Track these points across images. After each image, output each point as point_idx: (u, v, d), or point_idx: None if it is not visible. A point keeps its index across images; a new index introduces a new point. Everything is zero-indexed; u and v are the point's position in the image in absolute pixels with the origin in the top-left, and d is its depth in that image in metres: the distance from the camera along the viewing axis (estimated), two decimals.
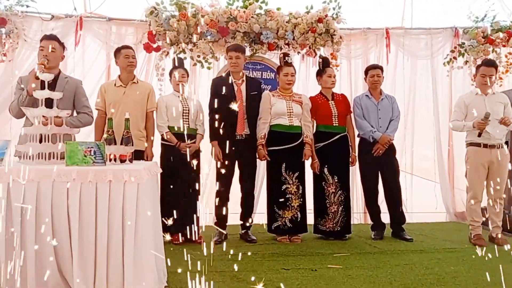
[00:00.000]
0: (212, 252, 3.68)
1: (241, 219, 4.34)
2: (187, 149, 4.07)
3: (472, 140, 4.20)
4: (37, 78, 3.02)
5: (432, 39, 5.55)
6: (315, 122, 4.43)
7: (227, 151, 4.08)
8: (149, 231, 2.52)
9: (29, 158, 2.64)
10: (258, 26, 4.85)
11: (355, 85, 5.50)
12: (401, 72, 5.58)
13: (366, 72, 4.61)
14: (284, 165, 4.20)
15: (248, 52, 4.89)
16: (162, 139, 4.18)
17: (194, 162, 4.14)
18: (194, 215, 4.01)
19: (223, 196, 4.20)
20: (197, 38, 4.87)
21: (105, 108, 4.00)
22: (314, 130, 4.41)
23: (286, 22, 4.92)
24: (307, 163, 4.35)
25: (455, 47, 5.48)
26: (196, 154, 4.20)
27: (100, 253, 2.42)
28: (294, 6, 5.03)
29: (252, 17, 4.85)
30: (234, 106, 3.97)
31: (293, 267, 3.40)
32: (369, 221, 4.69)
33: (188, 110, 4.18)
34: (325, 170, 4.32)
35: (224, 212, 4.20)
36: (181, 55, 4.81)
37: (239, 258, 3.58)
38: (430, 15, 5.54)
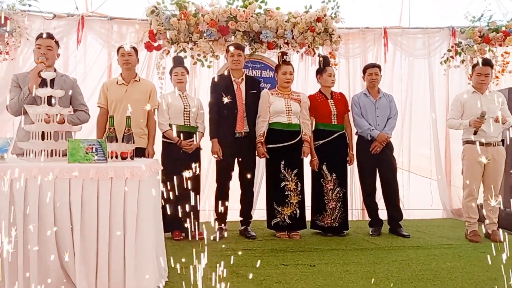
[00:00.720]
0: (212, 247, 3.68)
1: (240, 216, 4.35)
2: (188, 147, 4.06)
3: (468, 138, 4.20)
4: (40, 76, 3.01)
5: (429, 38, 5.55)
6: (314, 120, 4.43)
7: (226, 149, 4.08)
8: (150, 228, 2.53)
9: (31, 155, 2.64)
10: (258, 25, 4.85)
11: (353, 84, 5.50)
12: (399, 71, 5.58)
13: (364, 71, 4.61)
14: (283, 162, 4.20)
15: (247, 51, 4.89)
16: (163, 136, 4.18)
17: (195, 159, 4.14)
18: (195, 212, 4.01)
19: (223, 193, 4.21)
20: (197, 37, 4.86)
21: (107, 105, 4.00)
22: (313, 128, 4.41)
23: (285, 21, 4.92)
24: (306, 160, 4.35)
25: (452, 46, 5.48)
26: (197, 151, 4.19)
27: (102, 249, 2.43)
28: (293, 5, 5.03)
29: (251, 16, 4.84)
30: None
31: (292, 262, 3.41)
32: (367, 218, 4.70)
33: (189, 108, 4.17)
34: (324, 167, 4.33)
35: (223, 209, 4.21)
36: (182, 54, 4.80)
37: (239, 254, 3.60)
38: (428, 15, 5.54)
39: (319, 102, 4.40)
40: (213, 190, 4.38)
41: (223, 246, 3.84)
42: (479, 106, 4.13)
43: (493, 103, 4.15)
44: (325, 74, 4.42)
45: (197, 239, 4.00)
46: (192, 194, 4.10)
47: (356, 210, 5.42)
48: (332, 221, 4.32)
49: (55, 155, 2.77)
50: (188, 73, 4.33)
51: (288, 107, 4.24)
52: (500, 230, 4.14)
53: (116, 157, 2.78)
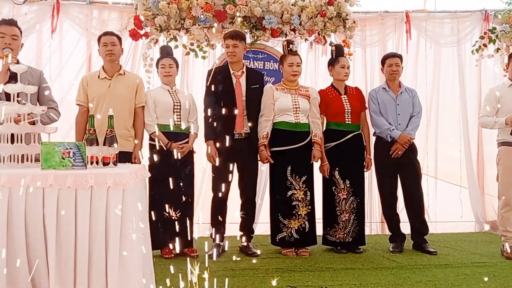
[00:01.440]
0: (207, 267, 3.68)
1: (240, 230, 4.35)
2: (179, 150, 4.08)
3: (505, 139, 4.20)
4: (8, 70, 3.03)
5: (458, 23, 5.55)
6: (325, 119, 4.43)
7: (224, 153, 4.09)
8: (136, 243, 2.53)
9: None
10: (260, 9, 4.86)
11: (371, 77, 5.51)
12: (423, 61, 5.59)
13: (383, 62, 4.61)
14: (289, 168, 4.21)
15: (248, 40, 4.89)
16: (151, 139, 4.19)
17: (187, 164, 4.15)
18: (187, 225, 4.01)
19: (220, 203, 4.21)
20: (190, 23, 4.88)
21: (87, 103, 4.01)
22: (324, 128, 4.42)
23: (292, 4, 4.93)
24: (316, 165, 4.36)
25: (485, 33, 5.48)
26: (190, 155, 4.20)
27: (81, 268, 2.44)
28: None
29: None
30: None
31: (300, 284, 3.41)
32: (387, 232, 4.70)
33: (180, 105, 4.18)
34: (336, 173, 4.33)
35: (221, 222, 4.21)
36: (172, 43, 4.81)
37: (239, 274, 3.60)
38: None
39: (330, 98, 4.41)
40: (209, 200, 4.39)
41: (221, 265, 3.84)
42: None
43: None
44: (337, 66, 4.43)
45: (190, 256, 4.00)
46: (184, 205, 4.12)
47: (374, 223, 5.42)
48: (346, 235, 4.33)
49: (27, 160, 2.78)
50: (177, 65, 4.34)
51: (296, 104, 4.25)
52: None
53: (97, 162, 2.79)
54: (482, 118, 4.32)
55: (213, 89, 4.17)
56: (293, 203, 4.21)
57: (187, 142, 4.19)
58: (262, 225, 4.87)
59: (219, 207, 4.23)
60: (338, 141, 4.34)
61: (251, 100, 4.27)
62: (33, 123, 2.93)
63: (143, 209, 2.87)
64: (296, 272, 3.72)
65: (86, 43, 5.16)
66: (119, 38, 4.14)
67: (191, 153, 4.22)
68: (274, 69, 5.07)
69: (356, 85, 4.78)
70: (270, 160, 4.23)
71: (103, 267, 2.45)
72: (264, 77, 4.69)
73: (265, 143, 4.22)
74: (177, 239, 3.92)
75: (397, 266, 3.90)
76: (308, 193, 4.24)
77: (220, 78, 4.21)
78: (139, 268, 2.58)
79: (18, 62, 3.37)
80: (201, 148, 4.31)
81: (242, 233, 4.35)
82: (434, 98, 5.62)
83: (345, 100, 4.41)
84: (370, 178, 5.15)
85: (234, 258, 4.02)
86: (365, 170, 4.49)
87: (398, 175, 4.47)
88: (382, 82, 4.75)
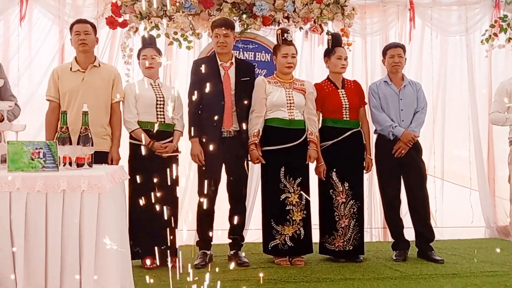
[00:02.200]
0: (192, 279, 3.68)
1: (229, 237, 4.35)
2: (162, 151, 4.06)
3: None
4: None
5: (467, 11, 5.57)
6: (320, 115, 4.44)
7: (211, 152, 4.08)
8: (114, 253, 2.52)
9: None
10: None
11: (372, 69, 5.52)
12: (429, 52, 5.61)
13: (384, 53, 4.62)
14: (283, 169, 4.21)
15: (237, 28, 4.89)
16: (131, 137, 4.18)
17: (171, 166, 4.13)
18: (171, 232, 4.00)
19: (207, 208, 4.20)
20: (173, 10, 4.86)
21: (59, 98, 3.99)
22: (320, 125, 4.43)
23: None
24: (312, 166, 4.37)
25: (496, 21, 5.50)
26: (174, 156, 4.19)
27: (52, 281, 2.43)
28: None
29: None
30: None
31: None
32: (390, 239, 4.72)
33: (163, 100, 4.17)
34: (333, 175, 4.34)
35: (208, 229, 4.20)
36: (154, 32, 4.80)
37: (228, 286, 3.59)
38: None
39: (326, 92, 4.42)
40: (194, 205, 4.38)
41: (207, 276, 3.83)
42: None
43: None
44: (333, 57, 4.43)
45: (173, 267, 4.00)
46: (167, 210, 4.10)
47: (375, 229, 5.44)
48: (345, 243, 4.33)
49: None
50: (161, 55, 4.33)
51: (290, 99, 4.25)
52: None
53: (70, 163, 2.78)
54: (493, 114, 4.35)
55: (198, 81, 4.16)
56: (287, 208, 4.21)
57: (171, 141, 4.17)
58: (253, 232, 4.87)
59: (205, 213, 4.22)
60: (335, 140, 4.35)
61: (240, 94, 4.26)
62: (1, 120, 2.92)
63: (122, 215, 2.87)
64: (291, 283, 3.72)
65: (58, 32, 5.14)
66: (94, 26, 4.11)
67: (175, 153, 4.20)
68: (266, 60, 5.07)
69: (355, 78, 4.79)
70: (261, 160, 4.22)
71: (76, 279, 2.43)
72: (255, 69, 4.69)
73: (256, 141, 4.21)
74: (159, 247, 3.91)
75: (401, 276, 3.91)
76: (303, 197, 4.24)
77: (206, 69, 4.19)
78: (117, 280, 2.57)
79: None
80: (187, 148, 4.30)
81: (231, 240, 4.35)
82: (441, 92, 5.65)
83: (342, 94, 4.41)
84: (371, 180, 5.17)
85: (222, 268, 4.02)
86: (365, 171, 4.50)
87: (401, 177, 4.49)
88: (383, 75, 4.76)
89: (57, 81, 4.00)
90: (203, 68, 4.19)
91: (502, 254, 4.61)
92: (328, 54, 4.49)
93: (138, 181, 3.85)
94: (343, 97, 4.40)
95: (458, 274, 3.97)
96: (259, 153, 4.21)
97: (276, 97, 4.23)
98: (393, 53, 4.52)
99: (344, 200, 4.34)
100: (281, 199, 4.21)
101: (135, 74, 4.87)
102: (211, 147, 4.04)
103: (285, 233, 4.23)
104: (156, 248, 3.88)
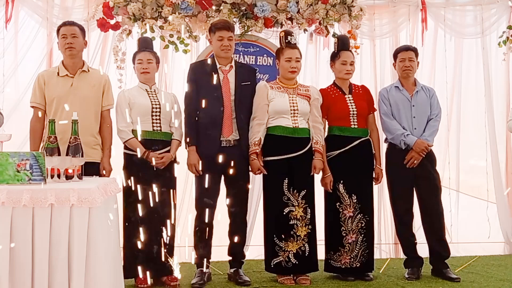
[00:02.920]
0: None
1: (229, 254, 4.35)
2: (158, 162, 4.07)
3: None
4: None
5: (482, 11, 5.59)
6: (326, 123, 4.45)
7: (209, 163, 4.08)
8: (105, 271, 2.52)
9: None
10: None
11: (381, 74, 5.54)
12: (442, 55, 5.62)
13: (395, 56, 4.64)
14: (286, 180, 4.21)
15: (237, 30, 4.91)
16: (125, 147, 4.18)
17: (168, 177, 4.13)
18: (167, 249, 4.00)
19: (204, 223, 4.19)
20: (169, 11, 4.88)
21: (45, 105, 3.99)
22: (326, 134, 4.43)
23: None
24: (317, 178, 4.37)
25: None
26: (171, 167, 4.19)
27: None
28: None
29: None
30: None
31: None
32: (402, 255, 4.70)
33: (160, 108, 4.18)
34: (340, 187, 4.34)
35: (206, 245, 4.20)
36: (148, 35, 4.81)
37: None
38: None
39: (332, 98, 4.43)
40: (192, 219, 4.37)
41: None
42: None
43: None
44: (338, 61, 4.43)
45: (170, 285, 3.99)
46: (163, 225, 4.10)
47: (386, 245, 5.43)
48: (352, 260, 4.32)
49: None
50: (158, 60, 4.34)
51: (294, 106, 4.26)
52: None
53: (59, 176, 2.78)
54: (511, 122, 4.34)
55: (195, 86, 4.17)
56: (291, 222, 4.20)
57: (168, 151, 4.17)
58: (255, 248, 4.86)
59: (203, 228, 4.21)
60: (343, 149, 4.35)
61: (241, 99, 4.26)
62: None
63: (114, 231, 2.87)
64: None
65: (46, 35, 5.15)
66: (82, 29, 4.10)
67: (172, 164, 4.20)
68: (268, 64, 5.08)
69: (363, 83, 4.79)
70: (263, 171, 4.22)
71: None
72: (256, 74, 4.69)
73: (257, 151, 4.21)
74: (154, 265, 3.90)
75: None
76: (309, 210, 4.24)
77: (204, 73, 4.20)
78: None
79: None
80: (185, 158, 4.29)
81: (231, 258, 4.35)
82: (455, 98, 5.66)
83: (349, 100, 4.42)
84: (381, 192, 5.16)
85: (221, 287, 4.01)
86: (374, 183, 4.50)
87: (414, 189, 4.48)
88: (394, 80, 4.77)
89: (43, 87, 3.99)
90: (200, 72, 4.20)
91: None
92: (333, 58, 4.50)
93: (132, 193, 3.86)
94: (350, 103, 4.41)
95: None
96: (260, 163, 4.21)
97: (279, 104, 4.23)
98: (403, 56, 4.53)
99: (351, 214, 4.33)
100: (284, 213, 4.20)
101: (128, 80, 4.88)
102: (209, 158, 4.04)
103: (289, 249, 4.21)
104: (151, 265, 3.88)
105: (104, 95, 4.08)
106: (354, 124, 4.38)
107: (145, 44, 4.34)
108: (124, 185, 3.96)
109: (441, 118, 4.62)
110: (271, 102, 4.25)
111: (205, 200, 4.18)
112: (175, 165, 4.20)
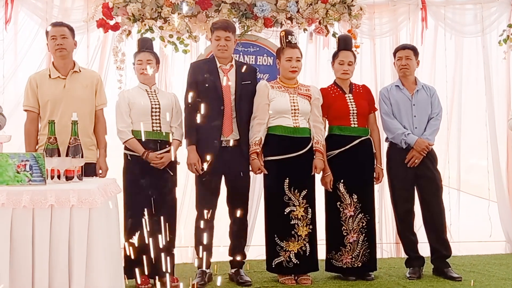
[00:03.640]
0: None
1: (230, 254, 4.34)
2: (158, 162, 4.06)
3: None
4: None
5: (482, 10, 5.58)
6: (326, 122, 4.44)
7: (209, 162, 4.08)
8: (105, 272, 2.51)
9: None
10: None
11: (381, 73, 5.53)
12: (442, 54, 5.62)
13: (394, 55, 4.64)
14: (287, 180, 4.20)
15: (237, 31, 4.90)
16: (126, 148, 4.18)
17: (168, 178, 4.13)
18: (167, 250, 3.99)
19: (205, 223, 4.19)
20: (168, 11, 4.88)
21: (38, 108, 3.96)
22: (326, 133, 4.43)
23: None
24: (318, 177, 4.36)
25: None
26: (172, 167, 4.19)
27: None
28: None
29: None
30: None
31: None
32: (403, 255, 4.71)
33: (159, 108, 4.17)
34: (341, 186, 4.34)
35: (207, 245, 4.19)
36: (148, 35, 4.81)
37: None
38: None
39: (332, 97, 4.42)
40: (192, 219, 4.37)
41: None
42: None
43: None
44: (336, 61, 4.44)
45: (170, 286, 3.98)
46: (164, 226, 4.10)
47: (387, 245, 5.43)
48: (353, 259, 4.32)
49: None
50: (158, 60, 4.33)
51: (294, 106, 4.25)
52: None
53: (59, 177, 2.78)
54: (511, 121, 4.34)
55: (195, 85, 4.17)
56: (292, 222, 4.20)
57: (168, 151, 4.16)
58: (256, 249, 4.85)
59: (204, 228, 4.20)
60: (343, 148, 4.34)
61: (241, 98, 4.26)
62: None
63: (114, 232, 2.86)
64: None
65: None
66: (71, 29, 4.04)
67: (173, 164, 4.20)
68: (268, 64, 5.08)
69: (364, 82, 4.78)
70: (263, 171, 4.22)
71: None
72: (257, 74, 4.69)
73: (258, 150, 4.21)
74: (155, 266, 3.90)
75: None
76: (309, 210, 4.23)
77: (204, 71, 4.20)
78: None
79: None
80: (185, 158, 4.28)
81: (232, 258, 4.34)
82: (456, 97, 5.65)
83: (350, 99, 4.41)
84: (382, 192, 5.16)
85: (222, 287, 4.01)
86: (375, 182, 4.50)
87: (415, 188, 4.48)
88: (394, 79, 4.77)
89: (35, 90, 3.96)
90: (201, 71, 4.20)
91: None
92: (333, 57, 4.50)
93: (132, 194, 3.85)
94: (350, 102, 4.40)
95: None
96: (261, 163, 4.21)
97: (280, 103, 4.23)
98: (400, 55, 4.54)
99: (352, 213, 4.33)
100: (285, 212, 4.20)
101: (128, 80, 4.87)
102: (209, 157, 4.04)
103: (290, 249, 4.21)
104: (151, 266, 3.88)
105: (97, 95, 4.06)
106: (354, 124, 4.38)
107: (144, 45, 4.33)
108: (124, 185, 3.96)
109: (442, 117, 4.62)
110: (272, 101, 4.25)
111: (205, 200, 4.18)
112: (177, 165, 4.22)
